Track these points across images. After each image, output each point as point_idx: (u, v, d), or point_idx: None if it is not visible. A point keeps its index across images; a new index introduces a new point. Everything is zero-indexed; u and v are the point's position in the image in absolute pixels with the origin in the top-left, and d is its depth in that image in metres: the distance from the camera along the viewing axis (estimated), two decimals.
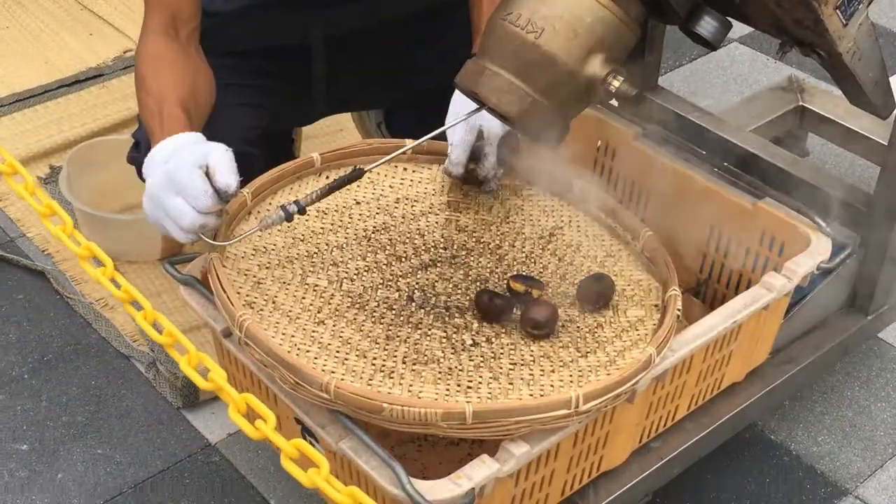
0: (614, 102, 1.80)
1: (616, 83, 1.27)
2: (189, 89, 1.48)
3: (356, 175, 1.38)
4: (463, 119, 1.39)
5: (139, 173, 1.76)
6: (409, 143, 1.57)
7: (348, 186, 1.55)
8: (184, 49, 1.53)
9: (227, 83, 1.61)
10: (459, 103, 1.47)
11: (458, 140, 1.51)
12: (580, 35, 1.26)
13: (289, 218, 1.34)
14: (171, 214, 1.32)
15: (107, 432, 1.75)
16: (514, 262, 1.50)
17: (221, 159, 1.32)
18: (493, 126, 1.48)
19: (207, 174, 1.31)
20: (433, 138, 1.40)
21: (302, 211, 1.34)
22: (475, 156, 1.53)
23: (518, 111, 1.28)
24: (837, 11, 1.34)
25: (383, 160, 1.43)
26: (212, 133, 1.46)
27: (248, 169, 1.57)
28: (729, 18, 1.36)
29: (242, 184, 1.47)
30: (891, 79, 1.58)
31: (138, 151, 1.74)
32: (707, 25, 1.33)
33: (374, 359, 1.31)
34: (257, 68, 1.71)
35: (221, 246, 1.38)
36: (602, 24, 1.27)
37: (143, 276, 2.00)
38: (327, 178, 1.55)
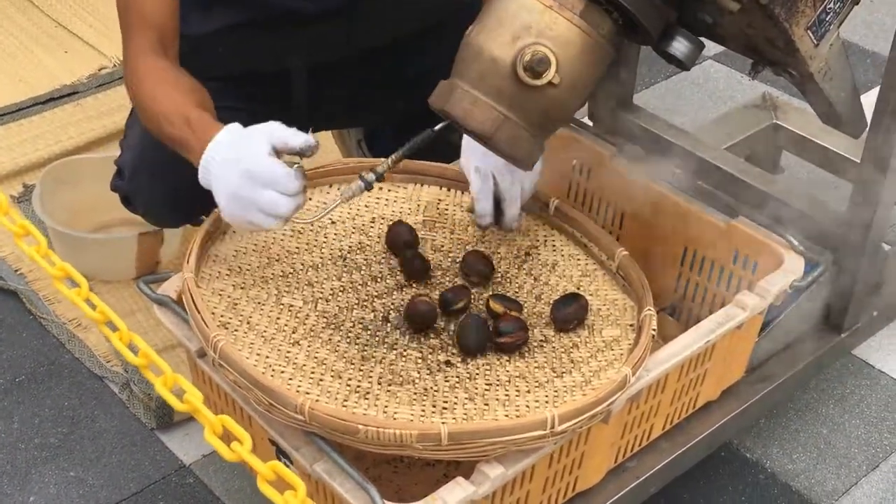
0: (589, 122, 1.81)
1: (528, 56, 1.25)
2: (199, 99, 1.47)
3: (428, 136, 1.36)
4: (423, 137, 1.38)
5: (123, 200, 1.76)
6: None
7: (324, 206, 1.56)
8: (177, 67, 1.52)
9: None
10: (472, 156, 1.50)
11: (477, 189, 1.50)
12: (587, 79, 1.27)
13: (368, 187, 1.34)
14: (265, 208, 1.31)
15: (80, 454, 1.74)
16: (490, 282, 1.49)
17: (281, 133, 1.32)
18: (507, 185, 1.49)
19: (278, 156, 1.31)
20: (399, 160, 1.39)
21: (380, 178, 1.35)
22: (497, 200, 1.53)
23: (527, 156, 1.29)
24: (808, 32, 1.35)
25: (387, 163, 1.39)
26: None
27: None
28: (702, 38, 1.37)
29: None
30: (862, 97, 1.60)
31: (122, 179, 1.73)
32: (680, 46, 1.34)
33: (350, 379, 1.30)
34: (235, 91, 1.71)
35: (314, 220, 1.40)
36: (583, 48, 1.28)
37: (116, 295, 1.98)
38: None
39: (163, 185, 1.65)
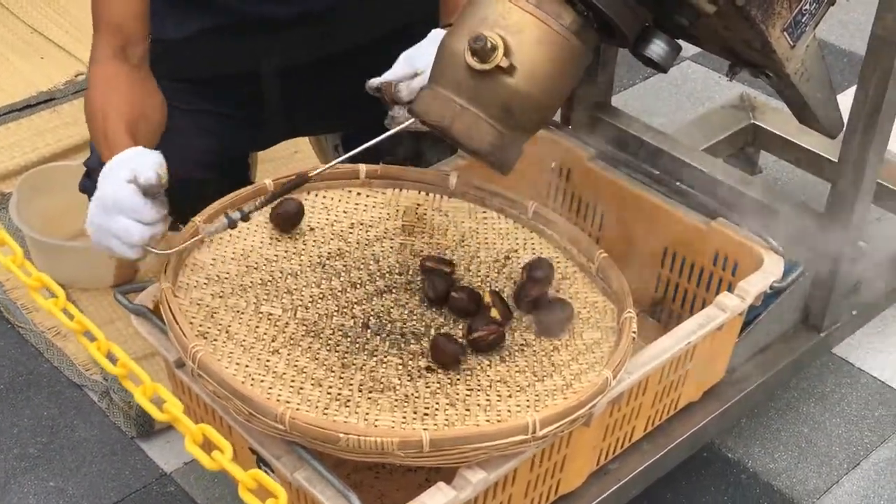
0: (567, 125, 1.81)
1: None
2: (138, 111, 1.47)
3: (300, 181, 1.39)
4: (401, 128, 1.38)
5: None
6: (362, 167, 1.58)
7: (304, 213, 1.56)
8: (135, 72, 1.52)
9: (181, 108, 1.60)
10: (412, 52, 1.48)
11: (396, 70, 1.49)
12: (549, 70, 1.27)
13: (232, 225, 1.35)
14: (118, 235, 1.32)
15: (59, 464, 1.73)
16: (470, 287, 1.49)
17: (141, 163, 1.33)
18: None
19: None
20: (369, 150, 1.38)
21: (245, 218, 1.35)
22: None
23: (488, 148, 1.28)
24: (785, 34, 1.36)
25: (325, 167, 1.43)
26: (166, 158, 1.45)
27: (204, 194, 1.56)
28: (679, 40, 1.37)
29: (199, 208, 1.46)
30: (839, 97, 1.60)
31: (90, 179, 1.72)
32: (656, 48, 1.34)
33: (330, 387, 1.30)
34: (211, 94, 1.70)
35: (169, 254, 1.37)
36: (558, 49, 1.28)
37: (95, 303, 1.97)
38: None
39: None
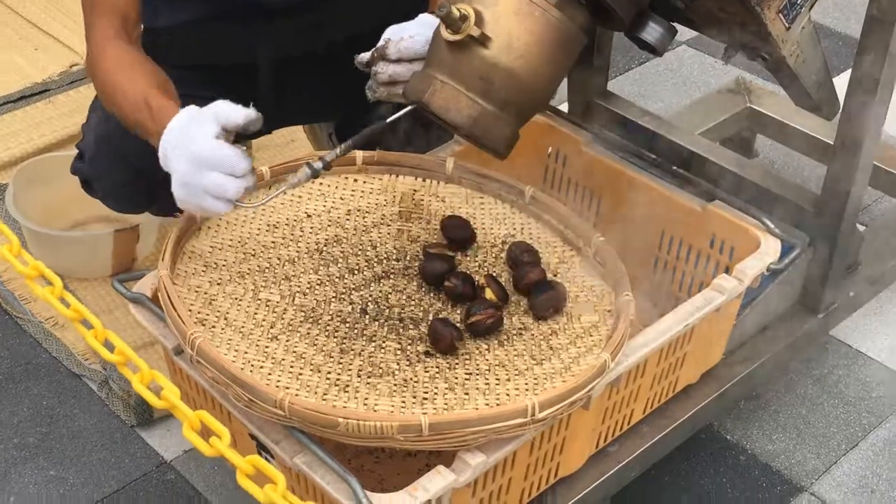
0: (564, 108, 1.81)
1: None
2: (163, 81, 1.47)
3: (379, 127, 1.36)
4: (388, 121, 1.38)
5: (83, 184, 1.74)
6: (359, 154, 1.58)
7: (299, 199, 1.56)
8: (139, 50, 1.52)
9: (176, 83, 1.59)
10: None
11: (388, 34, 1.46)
12: (528, 43, 1.27)
13: (315, 174, 1.33)
14: (213, 191, 1.29)
15: (59, 453, 1.73)
16: (467, 272, 1.49)
17: (225, 111, 1.31)
18: (417, 34, 1.43)
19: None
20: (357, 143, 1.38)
21: (327, 167, 1.34)
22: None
23: (467, 121, 1.28)
24: (780, 15, 1.36)
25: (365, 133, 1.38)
26: None
27: None
28: (674, 24, 1.37)
29: None
30: (835, 80, 1.60)
31: (82, 161, 1.72)
32: (652, 31, 1.34)
33: (329, 373, 1.30)
34: (203, 81, 1.70)
35: (259, 205, 1.37)
36: (555, 34, 1.28)
37: (93, 292, 1.97)
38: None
39: (122, 169, 1.64)
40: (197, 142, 1.29)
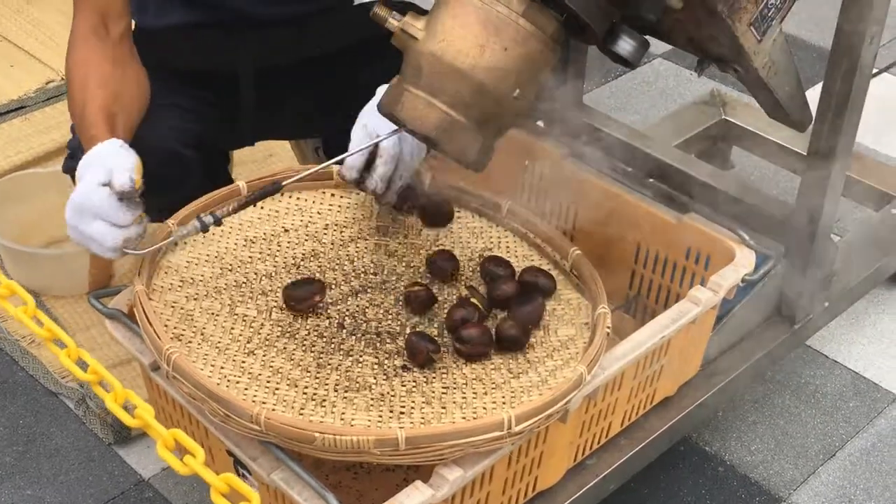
0: (541, 123, 1.81)
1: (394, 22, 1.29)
2: (113, 91, 1.46)
3: (274, 189, 1.39)
4: (378, 140, 1.39)
5: (74, 182, 1.73)
6: (336, 169, 1.58)
7: (276, 213, 1.56)
8: (114, 49, 1.51)
9: (161, 89, 1.59)
10: (366, 115, 1.48)
11: (356, 141, 1.48)
12: (520, 69, 1.27)
13: (204, 229, 1.35)
14: (93, 238, 1.33)
15: (36, 472, 1.72)
16: (444, 286, 1.49)
17: (117, 165, 1.32)
18: (386, 143, 1.46)
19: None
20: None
21: (218, 222, 1.36)
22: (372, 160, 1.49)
23: (438, 133, 1.29)
24: (751, 28, 1.37)
25: (299, 175, 1.44)
26: (145, 131, 1.46)
27: (183, 171, 1.55)
28: (647, 37, 1.38)
29: (179, 187, 1.45)
30: (810, 91, 1.62)
31: (73, 160, 1.72)
32: (625, 45, 1.35)
33: (306, 388, 1.30)
34: (189, 83, 1.70)
35: (143, 254, 1.37)
36: (540, 57, 1.28)
37: (70, 310, 1.96)
38: (255, 205, 1.54)
39: None
40: (81, 188, 1.32)
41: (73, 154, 1.71)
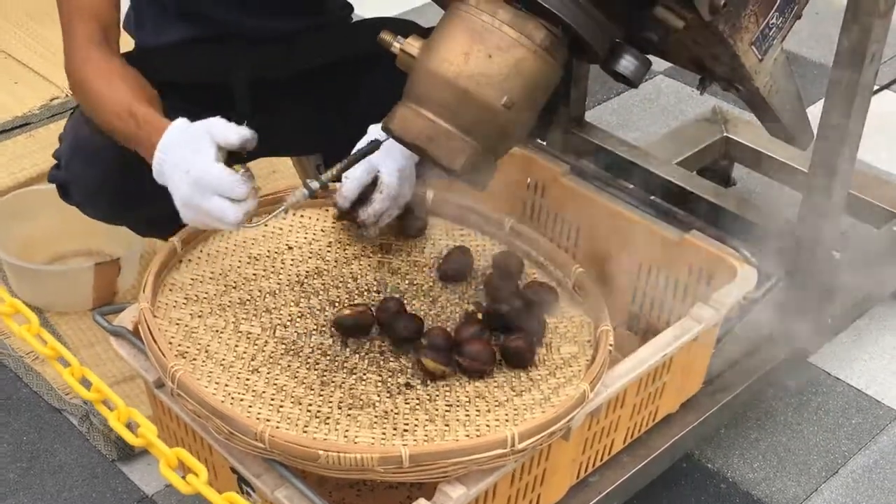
0: (542, 141, 1.82)
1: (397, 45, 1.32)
2: (147, 92, 1.48)
3: (374, 146, 1.38)
4: (370, 146, 1.40)
5: (60, 191, 1.73)
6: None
7: (280, 231, 1.57)
8: (118, 56, 1.53)
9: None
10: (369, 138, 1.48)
11: (353, 175, 1.50)
12: (506, 76, 1.28)
13: (312, 195, 1.36)
14: (215, 215, 1.33)
15: (39, 489, 1.72)
16: (448, 304, 1.50)
17: (222, 131, 1.33)
18: (390, 179, 1.49)
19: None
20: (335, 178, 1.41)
21: (325, 186, 1.37)
22: (364, 198, 1.52)
23: (423, 140, 1.29)
24: (753, 47, 1.38)
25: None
26: None
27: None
28: (649, 56, 1.39)
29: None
30: (811, 109, 1.62)
31: (59, 169, 1.72)
32: (627, 64, 1.36)
33: (310, 405, 1.30)
34: (182, 99, 1.71)
35: (264, 222, 1.43)
36: (526, 64, 1.29)
37: (74, 326, 1.97)
38: (264, 224, 1.54)
39: (97, 171, 1.63)
40: (197, 166, 1.32)
41: (59, 163, 1.72)
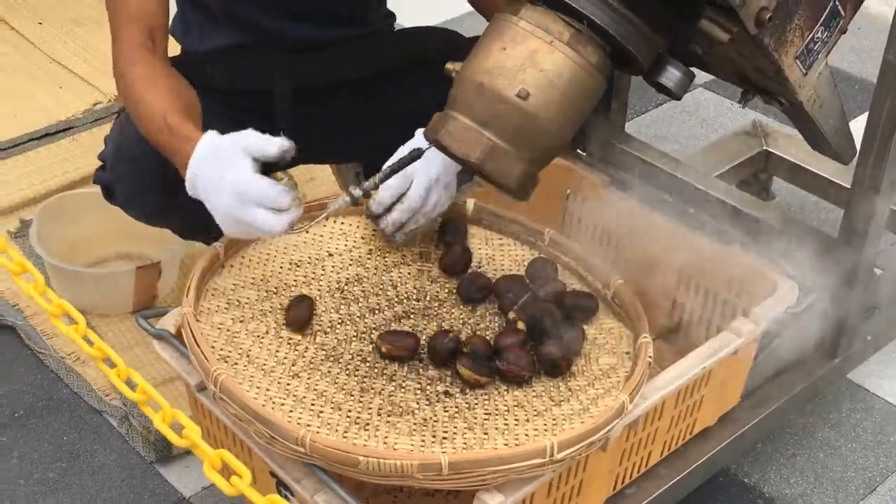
0: (582, 151, 1.82)
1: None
2: (186, 100, 1.49)
3: (416, 155, 1.38)
4: (411, 155, 1.40)
5: (105, 192, 1.75)
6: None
7: (321, 238, 1.58)
8: (164, 61, 1.54)
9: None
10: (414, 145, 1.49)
11: (389, 184, 1.49)
12: (571, 102, 1.28)
13: (354, 203, 1.36)
14: (261, 227, 1.32)
15: (79, 489, 1.74)
16: (487, 313, 1.51)
17: (259, 145, 1.33)
18: (415, 192, 1.50)
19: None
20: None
21: (367, 194, 1.38)
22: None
23: (509, 175, 1.30)
24: (797, 61, 1.37)
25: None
26: None
27: None
28: (692, 68, 1.39)
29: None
30: (851, 123, 1.62)
31: (104, 171, 1.74)
32: (671, 76, 1.36)
33: (349, 411, 1.31)
34: (221, 104, 1.73)
35: (306, 227, 1.44)
36: (587, 89, 1.29)
37: (114, 329, 1.99)
38: (305, 230, 1.56)
39: (141, 172, 1.64)
40: (238, 178, 1.31)
41: (104, 165, 1.74)
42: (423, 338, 1.43)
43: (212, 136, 1.37)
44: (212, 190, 1.34)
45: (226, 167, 1.32)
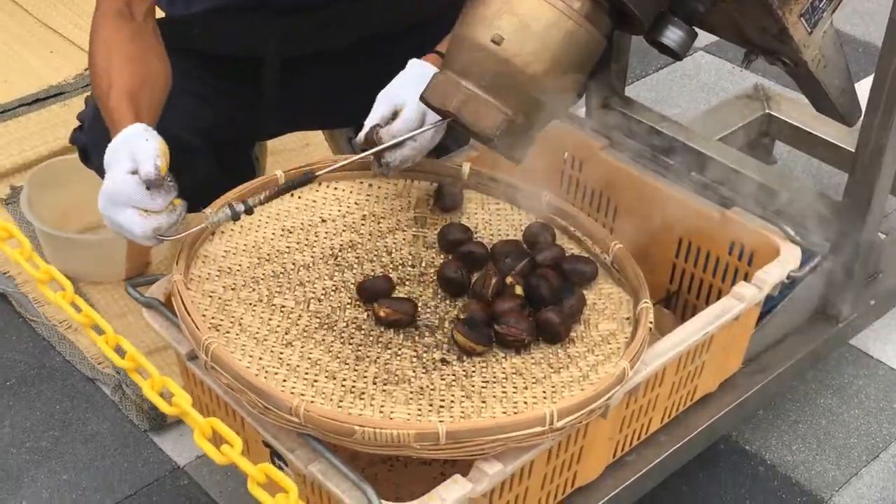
0: (580, 113, 1.79)
1: None
2: (141, 75, 1.45)
3: (307, 179, 1.38)
4: (430, 127, 1.38)
5: (81, 154, 1.72)
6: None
7: (314, 203, 1.55)
8: (139, 31, 1.49)
9: (179, 72, 1.57)
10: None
11: (406, 117, 1.44)
12: (548, 47, 1.25)
13: (235, 217, 1.35)
14: (126, 226, 1.32)
15: (72, 457, 1.72)
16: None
17: (142, 152, 1.31)
18: (409, 115, 1.43)
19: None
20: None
21: (249, 211, 1.35)
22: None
23: (486, 124, 1.27)
24: (802, 19, 1.34)
25: (334, 167, 1.43)
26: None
27: (188, 159, 1.52)
28: (694, 28, 1.35)
29: (186, 176, 1.43)
30: (856, 86, 1.58)
31: (81, 132, 1.71)
32: (672, 35, 1.33)
33: (344, 380, 1.28)
34: (211, 69, 1.69)
35: (175, 239, 1.36)
36: (569, 35, 1.26)
37: (107, 296, 1.97)
38: (291, 195, 1.53)
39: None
40: (111, 176, 1.31)
41: (83, 126, 1.70)
42: (419, 304, 1.41)
43: (133, 128, 1.35)
44: (106, 176, 1.33)
45: (112, 165, 1.32)
